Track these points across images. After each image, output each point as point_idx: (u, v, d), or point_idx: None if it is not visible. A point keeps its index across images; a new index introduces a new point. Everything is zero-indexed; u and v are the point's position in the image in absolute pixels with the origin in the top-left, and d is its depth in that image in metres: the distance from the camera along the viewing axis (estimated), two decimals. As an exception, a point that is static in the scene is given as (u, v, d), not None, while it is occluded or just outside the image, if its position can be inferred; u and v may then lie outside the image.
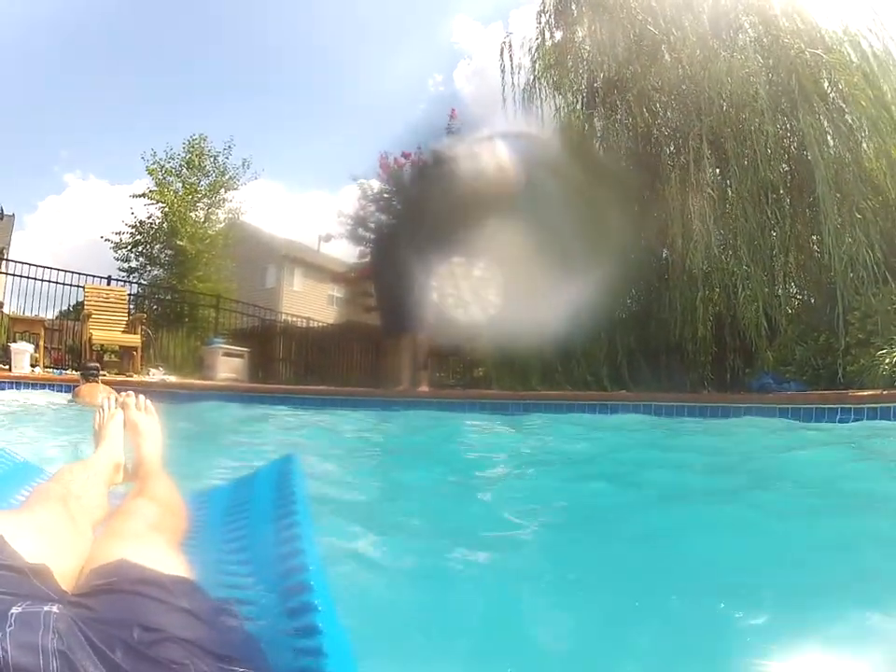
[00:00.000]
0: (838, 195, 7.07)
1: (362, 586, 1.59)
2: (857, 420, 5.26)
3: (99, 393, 7.84)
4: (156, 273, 18.74)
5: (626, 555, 1.90)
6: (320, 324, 20.16)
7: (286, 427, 5.89)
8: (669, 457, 3.94)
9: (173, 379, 10.41)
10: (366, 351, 15.16)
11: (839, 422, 5.36)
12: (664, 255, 8.96)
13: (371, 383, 11.24)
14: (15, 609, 0.77)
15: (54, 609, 0.80)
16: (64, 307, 12.84)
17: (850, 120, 7.60)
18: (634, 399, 7.07)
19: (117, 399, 2.22)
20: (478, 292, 13.60)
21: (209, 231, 18.98)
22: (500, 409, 7.23)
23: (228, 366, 12.18)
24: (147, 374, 10.84)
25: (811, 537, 2.03)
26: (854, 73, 7.51)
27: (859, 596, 1.49)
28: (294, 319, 19.24)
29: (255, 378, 12.75)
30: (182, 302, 17.00)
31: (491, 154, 8.87)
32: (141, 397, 2.24)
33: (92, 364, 8.07)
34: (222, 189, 19.68)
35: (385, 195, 16.69)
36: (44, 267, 11.94)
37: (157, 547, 1.14)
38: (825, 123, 7.47)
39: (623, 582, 1.68)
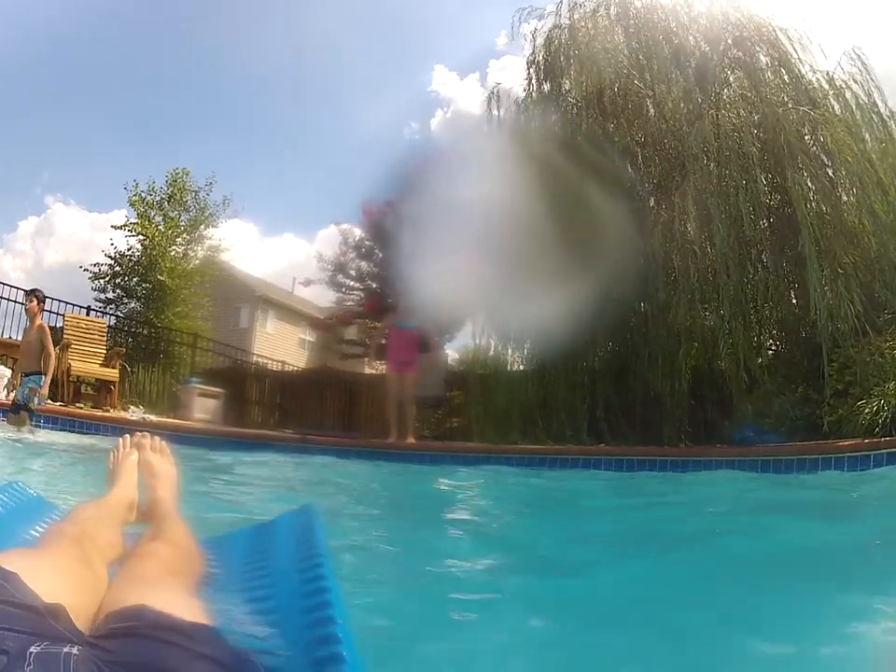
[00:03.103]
0: (817, 248, 7.16)
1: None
2: (837, 470, 5.24)
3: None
4: (132, 305, 18.51)
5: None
6: (295, 368, 19.99)
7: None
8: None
9: (153, 418, 10.11)
10: (340, 397, 15.04)
11: (821, 471, 5.35)
12: (642, 308, 8.96)
13: (346, 430, 11.07)
14: (33, 649, 0.75)
15: (74, 650, 0.77)
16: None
17: (831, 174, 7.76)
18: (617, 453, 7.02)
19: (132, 439, 2.20)
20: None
21: (187, 267, 18.87)
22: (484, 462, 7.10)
23: (203, 406, 12.05)
24: (127, 411, 10.60)
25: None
26: (838, 126, 7.68)
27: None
28: (267, 362, 19.05)
29: (228, 420, 12.56)
30: (158, 338, 16.81)
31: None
32: (157, 437, 2.22)
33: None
34: (202, 226, 19.64)
35: (368, 242, 16.75)
36: (22, 289, 11.70)
37: (176, 592, 1.11)
38: (808, 179, 7.61)
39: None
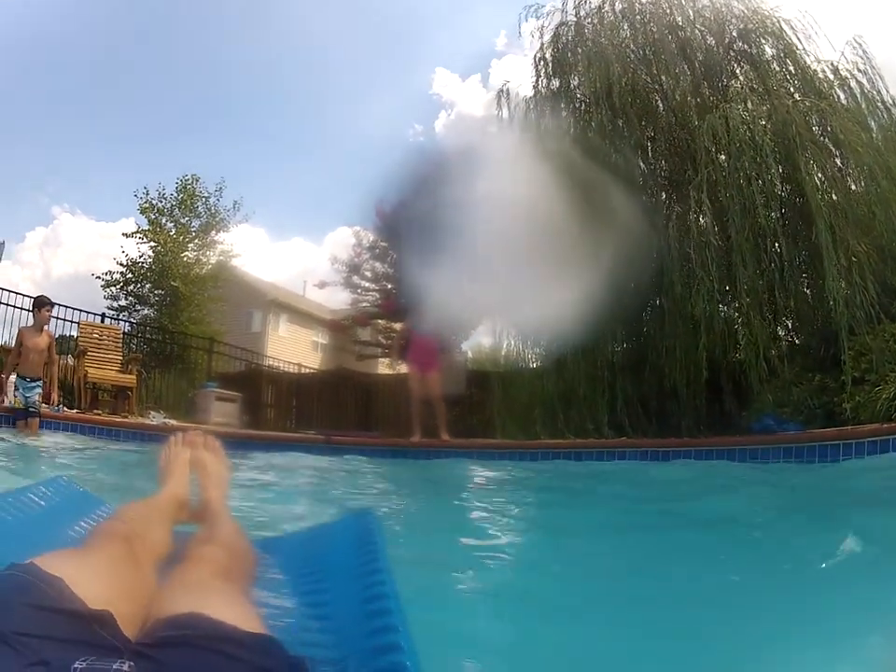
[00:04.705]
0: (831, 238, 7.19)
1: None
2: (858, 456, 5.30)
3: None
4: (145, 312, 18.68)
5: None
6: (310, 370, 20.07)
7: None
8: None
9: (174, 423, 10.10)
10: (356, 398, 15.09)
11: (842, 459, 5.42)
12: (658, 301, 8.99)
13: (364, 430, 11.08)
14: (78, 665, 0.73)
15: (124, 667, 0.75)
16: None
17: (840, 164, 7.82)
18: (639, 445, 7.15)
19: (184, 437, 2.16)
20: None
21: (200, 272, 19.02)
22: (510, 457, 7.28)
23: (221, 410, 12.10)
24: (148, 417, 10.70)
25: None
26: (845, 115, 7.76)
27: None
28: (283, 364, 19.15)
29: (245, 423, 12.62)
30: (172, 343, 16.91)
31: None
32: (209, 436, 2.18)
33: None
34: (213, 231, 19.81)
35: (382, 243, 16.80)
36: (29, 296, 11.67)
37: (230, 599, 1.07)
38: (818, 169, 7.67)
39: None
